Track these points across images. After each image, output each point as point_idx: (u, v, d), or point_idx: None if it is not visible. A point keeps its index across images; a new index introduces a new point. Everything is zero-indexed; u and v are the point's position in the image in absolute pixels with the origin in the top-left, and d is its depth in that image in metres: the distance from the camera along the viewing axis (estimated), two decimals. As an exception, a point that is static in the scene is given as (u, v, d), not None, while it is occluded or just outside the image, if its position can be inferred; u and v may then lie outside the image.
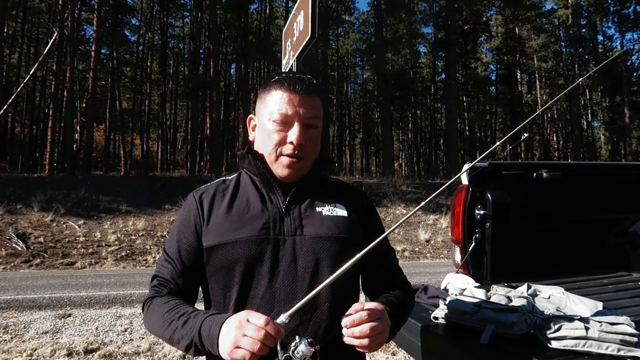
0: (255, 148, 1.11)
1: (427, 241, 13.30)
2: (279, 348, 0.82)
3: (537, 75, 38.53)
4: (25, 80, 2.25)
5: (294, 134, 1.02)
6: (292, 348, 0.81)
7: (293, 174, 1.06)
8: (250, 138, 1.16)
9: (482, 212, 2.20)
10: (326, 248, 1.04)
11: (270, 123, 1.04)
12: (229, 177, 1.17)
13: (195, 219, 1.07)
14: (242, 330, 0.81)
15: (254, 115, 1.15)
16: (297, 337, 0.82)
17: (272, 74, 1.19)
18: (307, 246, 1.03)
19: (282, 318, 0.82)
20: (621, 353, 1.19)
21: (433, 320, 1.54)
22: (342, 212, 1.10)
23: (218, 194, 1.10)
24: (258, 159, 1.07)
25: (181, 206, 1.15)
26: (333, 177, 1.28)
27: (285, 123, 1.03)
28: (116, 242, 11.60)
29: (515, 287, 1.82)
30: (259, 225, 1.02)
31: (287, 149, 1.03)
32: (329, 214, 1.08)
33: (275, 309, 0.97)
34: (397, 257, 1.26)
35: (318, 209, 1.08)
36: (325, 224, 1.06)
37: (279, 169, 1.06)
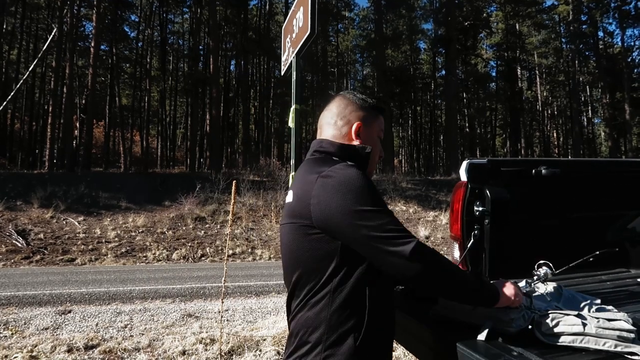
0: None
1: (427, 237, 13.32)
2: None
3: (537, 72, 38.46)
4: (24, 77, 2.25)
5: (382, 150, 1.45)
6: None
7: (373, 173, 1.43)
8: (357, 142, 1.34)
9: (480, 208, 2.20)
10: None
11: (376, 138, 1.40)
12: (345, 163, 1.28)
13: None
14: (517, 291, 1.28)
15: (358, 121, 1.36)
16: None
17: (361, 94, 1.43)
18: None
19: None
20: (618, 349, 1.20)
21: (431, 316, 1.55)
22: None
23: None
24: (368, 158, 1.34)
25: (367, 182, 1.19)
26: None
27: (381, 140, 1.43)
28: (116, 239, 11.63)
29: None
30: None
31: (379, 159, 1.44)
32: None
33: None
34: None
35: None
36: None
37: (372, 170, 1.40)
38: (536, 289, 1.71)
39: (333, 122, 1.36)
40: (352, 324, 1.13)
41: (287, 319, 1.28)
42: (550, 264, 1.67)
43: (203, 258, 11.02)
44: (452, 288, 1.18)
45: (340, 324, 1.13)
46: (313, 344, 1.14)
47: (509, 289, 1.27)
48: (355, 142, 1.33)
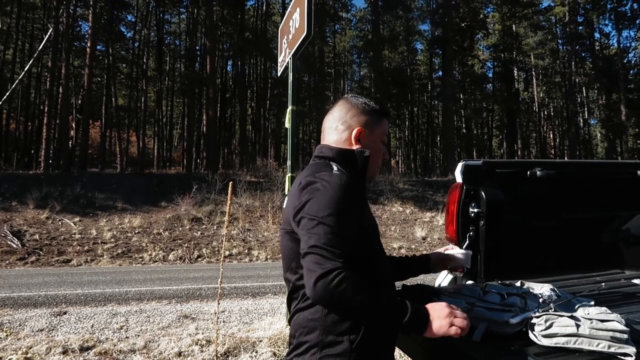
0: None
1: (424, 238, 13.34)
2: None
3: (533, 73, 38.59)
4: (20, 77, 2.24)
5: (386, 153, 1.44)
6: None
7: (376, 177, 1.46)
8: (357, 147, 1.34)
9: (476, 210, 2.21)
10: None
11: (379, 142, 1.39)
12: (335, 168, 1.26)
13: (360, 200, 1.23)
14: (453, 313, 1.12)
15: (359, 126, 1.36)
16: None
17: (364, 98, 1.43)
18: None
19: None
20: (611, 350, 1.20)
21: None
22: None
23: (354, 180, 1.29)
24: (367, 162, 1.34)
25: (335, 183, 1.17)
26: None
27: (384, 144, 1.41)
28: (112, 240, 11.59)
29: (508, 285, 1.83)
30: (372, 216, 1.32)
31: (382, 163, 1.43)
32: None
33: (391, 287, 1.35)
34: (394, 254, 1.51)
35: None
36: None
37: (374, 174, 1.41)
38: (530, 290, 1.72)
39: (334, 127, 1.37)
40: (347, 326, 1.13)
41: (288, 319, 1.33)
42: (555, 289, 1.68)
43: (199, 259, 11.00)
44: (361, 321, 1.12)
45: (335, 325, 1.13)
46: (309, 345, 1.14)
47: (437, 322, 1.10)
48: (355, 147, 1.33)
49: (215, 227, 13.34)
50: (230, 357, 3.73)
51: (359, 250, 1.16)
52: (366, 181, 1.37)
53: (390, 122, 1.42)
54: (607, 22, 34.88)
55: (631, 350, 1.18)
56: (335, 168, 1.24)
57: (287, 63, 3.33)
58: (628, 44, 34.23)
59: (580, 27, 33.44)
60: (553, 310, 1.38)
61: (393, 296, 1.19)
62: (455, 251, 1.72)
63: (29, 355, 3.70)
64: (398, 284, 1.54)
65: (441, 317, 1.10)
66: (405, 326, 1.08)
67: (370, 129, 1.36)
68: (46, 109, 22.53)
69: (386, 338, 1.20)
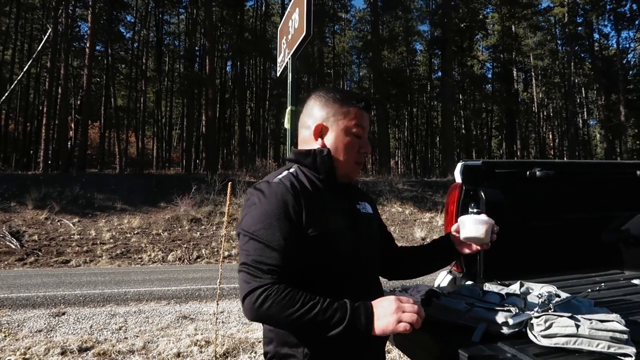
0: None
1: (423, 239, 13.33)
2: None
3: (533, 73, 38.65)
4: (19, 77, 2.23)
5: (366, 146, 1.26)
6: None
7: (356, 175, 1.29)
8: (319, 144, 1.25)
9: (475, 210, 2.21)
10: (376, 238, 1.30)
11: (348, 135, 1.23)
12: (292, 171, 1.21)
13: (293, 207, 1.10)
14: (401, 307, 1.02)
15: (319, 121, 1.25)
16: None
17: (335, 88, 1.31)
18: (368, 237, 1.25)
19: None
20: (611, 350, 1.20)
21: (426, 318, 1.55)
22: (370, 210, 1.33)
23: (302, 186, 1.16)
24: (332, 160, 1.21)
25: (264, 195, 1.12)
26: None
27: (359, 137, 1.24)
28: (111, 240, 11.57)
29: (507, 285, 1.82)
30: (339, 218, 1.17)
31: (360, 157, 1.25)
32: (365, 211, 1.30)
33: (370, 292, 1.17)
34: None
35: (357, 207, 1.29)
36: (368, 219, 1.30)
37: (351, 172, 1.26)
38: (530, 291, 1.72)
39: (302, 125, 1.30)
40: (299, 338, 1.10)
41: None
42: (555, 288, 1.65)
43: (198, 259, 10.99)
44: (292, 330, 1.08)
45: (287, 337, 1.11)
46: (270, 356, 1.16)
47: (383, 320, 1.01)
48: (317, 144, 1.24)
49: (214, 228, 13.33)
50: (229, 358, 3.73)
51: (302, 260, 1.09)
52: (341, 181, 1.24)
53: (369, 110, 1.27)
54: (606, 22, 34.98)
55: (631, 350, 1.18)
56: (281, 175, 1.18)
57: (287, 63, 3.33)
58: (627, 45, 34.35)
59: (580, 28, 33.50)
60: (553, 310, 1.38)
61: (341, 303, 1.03)
62: (466, 219, 1.34)
63: (27, 356, 3.69)
64: (398, 284, 1.53)
65: (387, 314, 1.01)
66: (348, 331, 1.00)
67: (334, 123, 1.23)
68: (45, 109, 22.51)
69: (342, 348, 1.10)
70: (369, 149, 1.27)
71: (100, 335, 4.38)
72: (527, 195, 2.37)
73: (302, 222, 1.10)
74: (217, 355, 3.71)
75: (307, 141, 1.27)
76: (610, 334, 1.21)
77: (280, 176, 1.17)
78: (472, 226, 1.33)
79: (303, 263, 1.10)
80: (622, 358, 1.18)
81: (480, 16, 34.85)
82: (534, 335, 1.29)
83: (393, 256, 1.43)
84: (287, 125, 3.38)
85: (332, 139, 1.23)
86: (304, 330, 1.04)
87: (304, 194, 1.13)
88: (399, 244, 1.52)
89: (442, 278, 2.35)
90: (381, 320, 1.01)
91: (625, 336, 1.21)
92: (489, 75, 39.43)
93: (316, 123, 1.24)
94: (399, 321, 1.01)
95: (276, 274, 1.05)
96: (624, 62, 33.24)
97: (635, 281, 2.23)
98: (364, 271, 1.19)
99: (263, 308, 1.02)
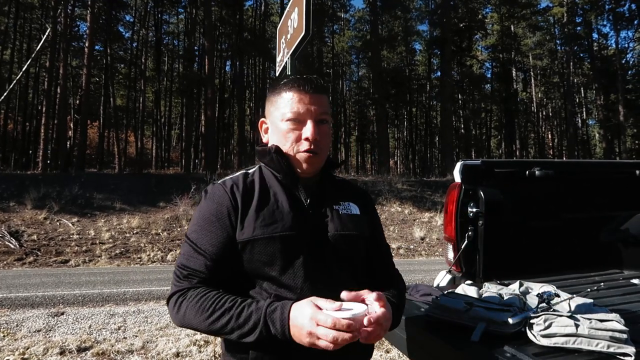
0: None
1: (422, 239, 13.33)
2: None
3: (532, 73, 38.68)
4: (18, 77, 2.22)
5: (308, 130, 1.08)
6: None
7: (310, 168, 1.11)
8: (264, 140, 1.20)
9: (474, 209, 2.21)
10: (348, 245, 1.11)
11: (284, 123, 1.09)
12: (250, 171, 1.18)
13: (228, 210, 1.06)
14: (314, 335, 0.86)
15: (265, 118, 1.20)
16: None
17: (278, 78, 1.21)
18: (334, 243, 1.09)
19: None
20: (611, 350, 1.20)
21: (425, 318, 1.55)
22: (355, 210, 1.17)
23: (247, 187, 1.10)
24: (283, 157, 1.11)
25: (205, 197, 1.11)
26: (339, 176, 1.32)
27: (299, 121, 1.08)
28: (110, 240, 11.55)
29: (507, 285, 1.82)
30: (290, 221, 1.05)
31: (304, 145, 1.08)
32: (345, 212, 1.15)
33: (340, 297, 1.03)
34: (393, 254, 1.31)
35: (335, 207, 1.14)
36: (344, 222, 1.12)
37: (298, 165, 1.11)
38: (529, 290, 1.72)
39: None
40: (236, 345, 1.02)
41: None
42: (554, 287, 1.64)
43: (198, 259, 10.97)
44: (209, 333, 1.01)
45: (227, 343, 1.08)
46: None
47: (297, 331, 0.89)
48: (267, 141, 1.19)
49: (213, 228, 13.31)
50: (228, 358, 3.71)
51: (240, 265, 1.04)
52: (305, 177, 1.13)
53: (308, 89, 1.09)
54: (605, 22, 35.06)
55: (630, 350, 1.18)
56: (232, 175, 1.15)
57: (286, 63, 3.32)
58: (626, 45, 34.35)
59: (579, 28, 33.54)
60: (552, 310, 1.38)
61: (258, 305, 0.94)
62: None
63: (26, 356, 3.68)
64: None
65: (301, 330, 0.88)
66: (263, 338, 0.92)
67: (271, 114, 1.15)
68: (44, 109, 22.49)
69: (282, 355, 1.00)
70: (314, 135, 1.07)
71: (99, 335, 4.37)
72: (526, 194, 2.37)
73: (238, 225, 1.04)
74: (216, 355, 3.71)
75: (263, 138, 1.22)
76: (610, 333, 1.21)
77: (229, 177, 1.14)
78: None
79: (240, 268, 1.04)
80: (622, 358, 1.18)
81: (480, 16, 34.88)
82: (534, 335, 1.29)
83: (369, 272, 1.21)
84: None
85: (272, 133, 1.15)
86: (225, 336, 0.97)
87: (246, 196, 1.07)
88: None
89: (441, 278, 2.35)
90: (296, 327, 0.89)
91: (625, 336, 1.21)
92: (488, 75, 39.49)
93: (261, 119, 1.20)
94: (314, 344, 0.87)
95: (196, 279, 1.01)
96: (623, 62, 33.27)
97: (634, 281, 2.23)
98: (325, 275, 1.05)
99: (180, 314, 0.98)
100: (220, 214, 1.05)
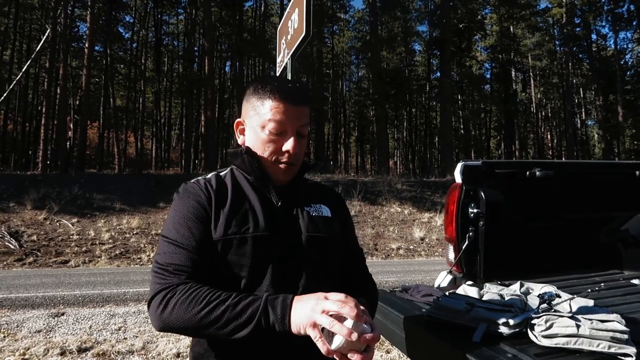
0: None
1: (422, 239, 13.33)
2: None
3: (531, 74, 38.72)
4: (17, 77, 2.22)
5: (289, 144, 1.07)
6: None
7: (287, 177, 1.12)
8: (240, 142, 1.19)
9: (475, 210, 2.21)
10: (319, 247, 1.11)
11: (264, 132, 1.08)
12: (222, 172, 1.18)
13: (204, 206, 1.05)
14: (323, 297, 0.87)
15: (241, 119, 1.18)
16: None
17: (261, 78, 1.17)
18: (305, 245, 1.08)
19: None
20: (612, 350, 1.20)
21: (426, 318, 1.55)
22: (326, 212, 1.18)
23: (220, 187, 1.10)
24: (255, 159, 1.10)
25: (179, 196, 1.10)
26: (311, 178, 1.34)
27: (280, 133, 1.07)
28: (110, 241, 11.55)
29: (508, 285, 1.83)
30: (262, 222, 1.05)
31: (284, 157, 1.08)
32: (316, 214, 1.15)
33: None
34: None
35: (306, 209, 1.14)
36: (315, 224, 1.12)
37: (275, 174, 1.11)
38: (530, 291, 1.72)
39: None
40: (208, 353, 1.03)
41: None
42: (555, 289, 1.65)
43: (198, 260, 10.96)
44: (203, 335, 0.98)
45: (199, 348, 1.06)
46: None
47: (301, 311, 0.87)
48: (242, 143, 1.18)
49: (213, 228, 13.31)
50: (228, 358, 3.72)
51: (209, 262, 1.02)
52: (277, 181, 1.12)
53: (295, 101, 1.07)
54: (604, 23, 35.17)
55: (631, 350, 1.18)
56: (206, 176, 1.15)
57: (286, 64, 3.33)
58: (625, 46, 34.42)
59: (578, 29, 33.60)
60: (553, 310, 1.38)
61: (258, 296, 0.93)
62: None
63: (26, 357, 3.68)
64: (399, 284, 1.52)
65: (306, 307, 0.87)
66: (261, 325, 0.89)
67: (250, 118, 1.12)
68: (44, 109, 22.48)
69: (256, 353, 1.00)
70: (295, 149, 1.07)
71: (99, 336, 4.37)
72: (527, 195, 2.38)
73: (212, 224, 1.03)
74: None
75: (238, 138, 1.20)
76: (611, 334, 1.22)
77: (201, 177, 1.14)
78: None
79: (216, 267, 1.03)
80: (623, 358, 1.19)
81: (479, 17, 34.89)
82: (535, 336, 1.30)
83: (343, 275, 1.21)
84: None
85: (248, 136, 1.14)
86: (215, 333, 0.92)
87: (220, 195, 1.07)
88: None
89: (442, 278, 2.36)
90: (298, 311, 0.87)
91: (626, 336, 1.21)
92: (488, 76, 39.52)
93: (238, 118, 1.19)
94: (322, 311, 0.84)
95: (184, 275, 0.97)
96: (622, 62, 33.33)
97: (634, 281, 2.23)
98: (297, 275, 1.06)
99: (167, 311, 0.92)
100: (197, 210, 1.05)
